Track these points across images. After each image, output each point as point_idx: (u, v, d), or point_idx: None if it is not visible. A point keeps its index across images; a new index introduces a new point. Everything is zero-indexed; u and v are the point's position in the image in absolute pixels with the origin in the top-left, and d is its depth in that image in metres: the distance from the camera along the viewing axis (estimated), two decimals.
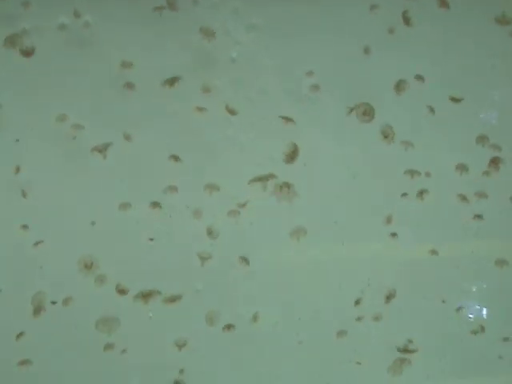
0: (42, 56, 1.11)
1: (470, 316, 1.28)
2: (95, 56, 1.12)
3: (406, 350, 1.25)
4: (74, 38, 1.11)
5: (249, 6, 1.16)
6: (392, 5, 1.22)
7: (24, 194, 1.11)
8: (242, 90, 1.18)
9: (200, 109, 1.17)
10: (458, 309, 1.27)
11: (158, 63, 1.15)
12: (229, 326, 1.19)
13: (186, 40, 1.15)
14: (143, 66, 1.14)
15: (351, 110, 1.22)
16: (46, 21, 1.09)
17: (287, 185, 1.21)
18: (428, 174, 1.25)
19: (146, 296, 1.16)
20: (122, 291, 1.15)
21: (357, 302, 1.23)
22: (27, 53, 1.10)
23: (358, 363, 1.23)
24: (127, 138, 1.14)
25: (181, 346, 1.18)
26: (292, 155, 1.20)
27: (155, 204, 1.16)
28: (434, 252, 1.26)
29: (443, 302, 1.26)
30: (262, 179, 1.19)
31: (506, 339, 1.27)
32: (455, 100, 1.26)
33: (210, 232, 1.18)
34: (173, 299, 1.17)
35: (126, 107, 1.14)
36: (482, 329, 1.28)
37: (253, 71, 1.18)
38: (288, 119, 1.20)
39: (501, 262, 1.28)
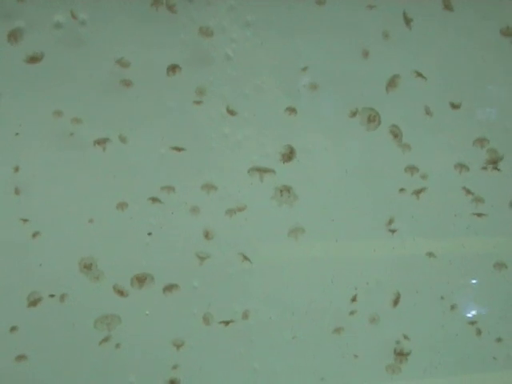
0: (39, 51, 1.10)
1: (466, 315, 1.30)
2: (91, 53, 1.11)
3: (402, 349, 1.27)
4: (71, 35, 1.11)
5: (244, 4, 1.15)
6: (392, 5, 1.21)
7: (22, 189, 1.11)
8: (239, 88, 1.17)
9: (196, 105, 1.16)
10: (453, 307, 1.29)
11: (154, 60, 1.13)
12: (225, 323, 1.20)
13: (181, 38, 1.13)
14: (139, 63, 1.12)
15: (354, 113, 1.22)
16: (42, 18, 1.08)
17: (287, 188, 1.20)
18: (427, 173, 1.25)
19: (141, 282, 1.16)
20: (120, 292, 1.16)
21: (352, 299, 1.24)
22: (35, 58, 1.10)
23: (356, 356, 1.24)
24: (124, 135, 1.14)
25: (177, 343, 1.19)
26: (289, 154, 1.20)
27: (154, 200, 1.16)
28: (431, 254, 1.28)
29: (442, 298, 1.28)
30: (260, 171, 1.19)
31: (498, 340, 1.29)
32: (455, 106, 1.26)
33: (207, 230, 1.18)
34: (169, 290, 1.18)
35: (122, 104, 1.13)
36: (478, 330, 1.30)
37: (249, 69, 1.17)
38: (288, 116, 1.19)
39: (499, 265, 1.30)
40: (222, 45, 1.15)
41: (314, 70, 1.19)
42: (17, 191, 1.11)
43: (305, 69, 1.19)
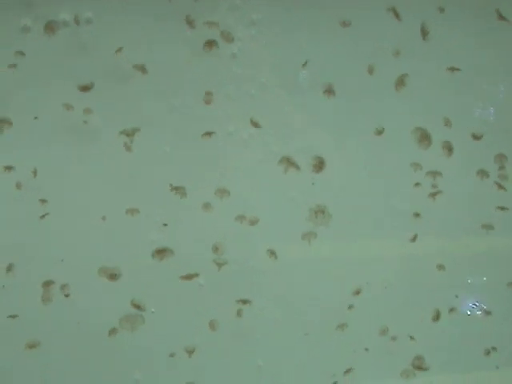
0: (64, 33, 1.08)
1: (472, 316, 1.33)
2: (95, 47, 1.09)
3: (410, 350, 1.30)
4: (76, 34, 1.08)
5: (249, 3, 1.13)
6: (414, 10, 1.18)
7: (37, 174, 1.10)
8: (244, 86, 1.15)
9: (206, 102, 1.15)
10: (458, 308, 1.31)
11: (160, 58, 1.12)
12: (231, 321, 1.21)
13: (185, 35, 1.12)
14: (142, 60, 1.11)
15: (380, 132, 1.21)
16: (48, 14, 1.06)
17: (322, 209, 1.20)
18: (448, 178, 1.26)
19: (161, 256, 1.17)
20: (137, 305, 1.16)
21: (356, 292, 1.26)
22: (86, 88, 1.09)
23: (366, 349, 1.27)
24: (136, 132, 1.12)
25: (189, 349, 1.20)
26: (319, 165, 1.19)
27: (166, 204, 1.15)
28: (441, 266, 1.29)
29: (456, 296, 1.30)
30: (289, 162, 1.18)
31: (494, 348, 1.33)
32: (476, 137, 1.27)
33: (220, 232, 1.18)
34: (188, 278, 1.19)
35: (132, 99, 1.11)
36: (482, 330, 1.33)
37: (254, 67, 1.15)
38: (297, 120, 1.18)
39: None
40: (227, 43, 1.13)
41: (320, 69, 1.18)
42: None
43: (311, 68, 1.17)
